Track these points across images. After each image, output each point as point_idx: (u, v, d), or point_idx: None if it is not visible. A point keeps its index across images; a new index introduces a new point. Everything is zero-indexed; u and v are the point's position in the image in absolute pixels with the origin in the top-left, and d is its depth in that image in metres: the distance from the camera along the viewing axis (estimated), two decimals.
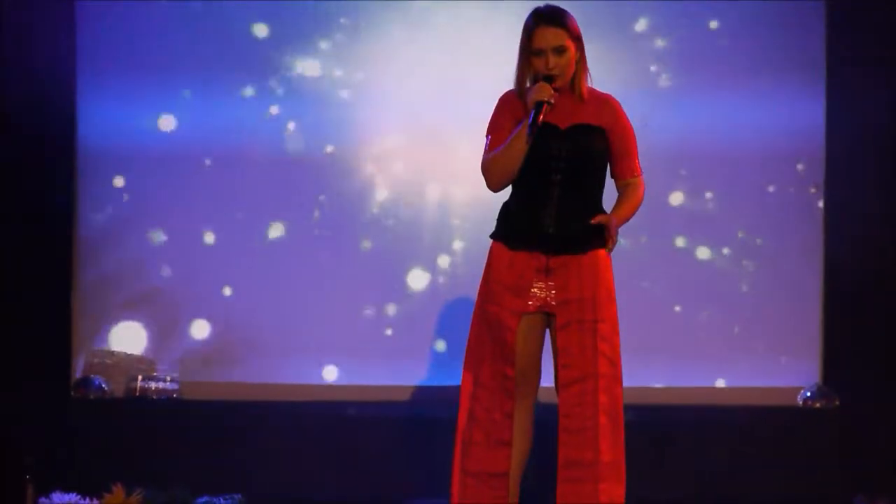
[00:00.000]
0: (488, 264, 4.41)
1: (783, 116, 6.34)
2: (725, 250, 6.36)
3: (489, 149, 4.37)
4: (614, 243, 4.33)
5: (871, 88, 6.20)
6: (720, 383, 6.32)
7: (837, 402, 6.17)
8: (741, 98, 6.34)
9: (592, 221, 4.32)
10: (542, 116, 4.21)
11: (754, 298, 6.34)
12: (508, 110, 4.37)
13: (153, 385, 6.17)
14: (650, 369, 6.27)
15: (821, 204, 6.31)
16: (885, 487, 5.87)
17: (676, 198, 6.36)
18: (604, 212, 4.42)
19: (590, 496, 4.29)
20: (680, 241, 6.37)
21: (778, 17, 6.32)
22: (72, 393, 6.18)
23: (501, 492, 4.37)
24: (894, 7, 6.18)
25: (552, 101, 4.24)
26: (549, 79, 4.27)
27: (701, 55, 6.37)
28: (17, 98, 6.12)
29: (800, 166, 6.35)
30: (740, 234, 6.35)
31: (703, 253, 6.37)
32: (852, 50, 6.24)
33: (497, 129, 4.37)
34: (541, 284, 4.35)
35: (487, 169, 4.35)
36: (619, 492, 4.33)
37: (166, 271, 6.32)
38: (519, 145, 4.26)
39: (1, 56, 6.10)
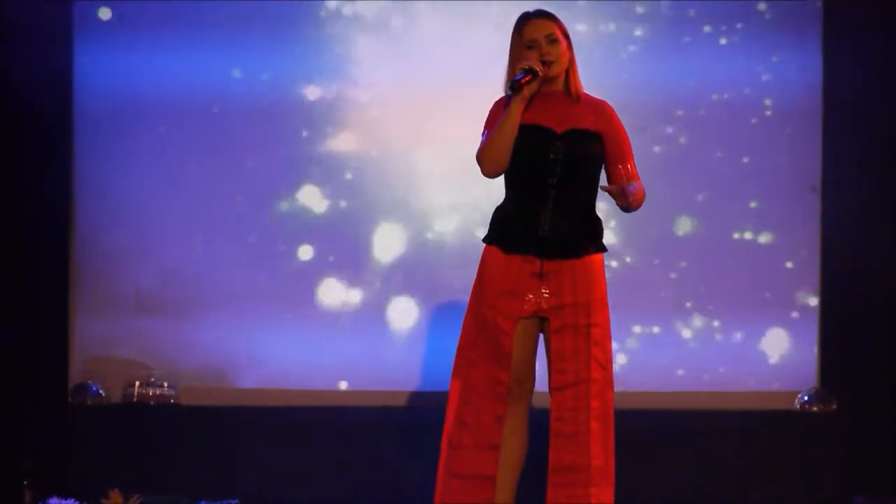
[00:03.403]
0: (481, 268, 4.42)
1: (780, 115, 6.34)
2: (722, 253, 6.36)
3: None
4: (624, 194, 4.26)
5: (870, 87, 6.19)
6: (717, 387, 6.30)
7: (835, 406, 6.16)
8: (738, 97, 6.34)
9: (602, 187, 4.31)
10: (525, 80, 4.24)
11: (751, 301, 6.33)
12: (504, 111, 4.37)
13: (151, 391, 6.17)
14: (648, 373, 6.27)
15: (818, 206, 6.31)
16: (884, 490, 5.88)
17: (672, 199, 6.35)
18: (597, 217, 4.45)
19: (581, 500, 4.30)
20: (676, 244, 6.37)
21: (775, 9, 6.33)
22: (69, 399, 6.17)
23: (487, 494, 4.38)
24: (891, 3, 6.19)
25: (538, 71, 4.28)
26: (544, 64, 4.32)
27: (694, 54, 6.38)
28: (12, 98, 6.13)
29: (797, 166, 6.34)
30: (736, 237, 6.35)
31: (699, 255, 6.37)
32: (850, 46, 6.23)
33: (492, 125, 4.39)
34: (535, 289, 4.36)
35: (481, 153, 4.36)
36: (609, 495, 4.35)
37: (164, 276, 6.31)
38: (509, 120, 4.27)
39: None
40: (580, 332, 4.33)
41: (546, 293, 4.36)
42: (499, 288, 4.36)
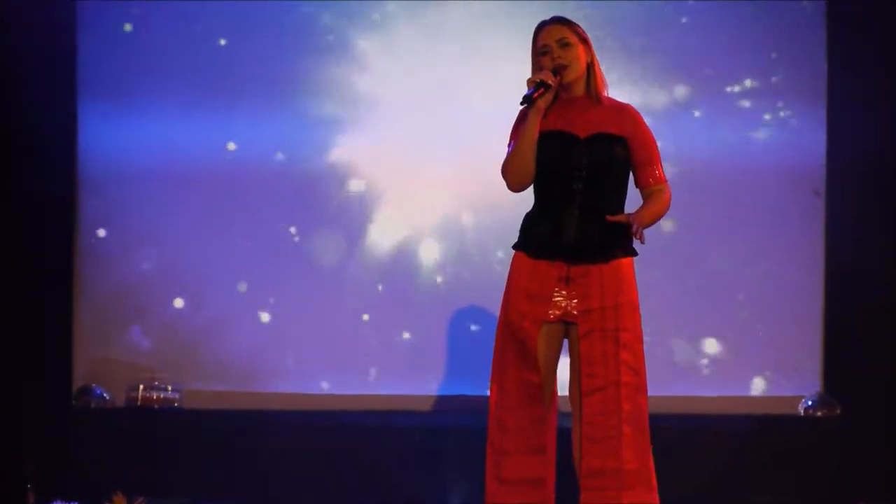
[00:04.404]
0: (510, 273, 4.41)
1: (783, 124, 6.35)
2: (725, 258, 6.36)
3: None
4: (640, 235, 4.23)
5: (872, 93, 6.22)
6: (722, 392, 6.31)
7: (839, 411, 6.17)
8: (741, 106, 6.35)
9: (608, 219, 4.28)
10: (536, 94, 4.26)
11: (755, 307, 6.34)
12: None
13: (154, 394, 6.17)
14: (652, 378, 6.25)
15: (822, 211, 6.32)
16: (886, 495, 5.88)
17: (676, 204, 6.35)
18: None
19: (613, 503, 4.29)
20: (679, 249, 6.37)
21: (779, 22, 6.35)
22: (73, 402, 6.17)
23: (539, 496, 4.37)
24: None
25: (550, 83, 4.29)
26: (557, 70, 4.32)
27: (699, 62, 6.39)
28: (17, 97, 6.13)
29: (801, 173, 6.35)
30: (740, 242, 6.35)
31: (702, 261, 6.37)
32: (853, 55, 6.25)
33: (516, 137, 4.39)
34: (562, 293, 4.35)
35: (504, 168, 4.38)
36: (650, 498, 4.33)
37: (168, 279, 6.31)
38: (527, 134, 4.29)
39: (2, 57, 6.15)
40: (608, 336, 4.31)
41: (574, 298, 4.34)
42: (524, 293, 4.34)
